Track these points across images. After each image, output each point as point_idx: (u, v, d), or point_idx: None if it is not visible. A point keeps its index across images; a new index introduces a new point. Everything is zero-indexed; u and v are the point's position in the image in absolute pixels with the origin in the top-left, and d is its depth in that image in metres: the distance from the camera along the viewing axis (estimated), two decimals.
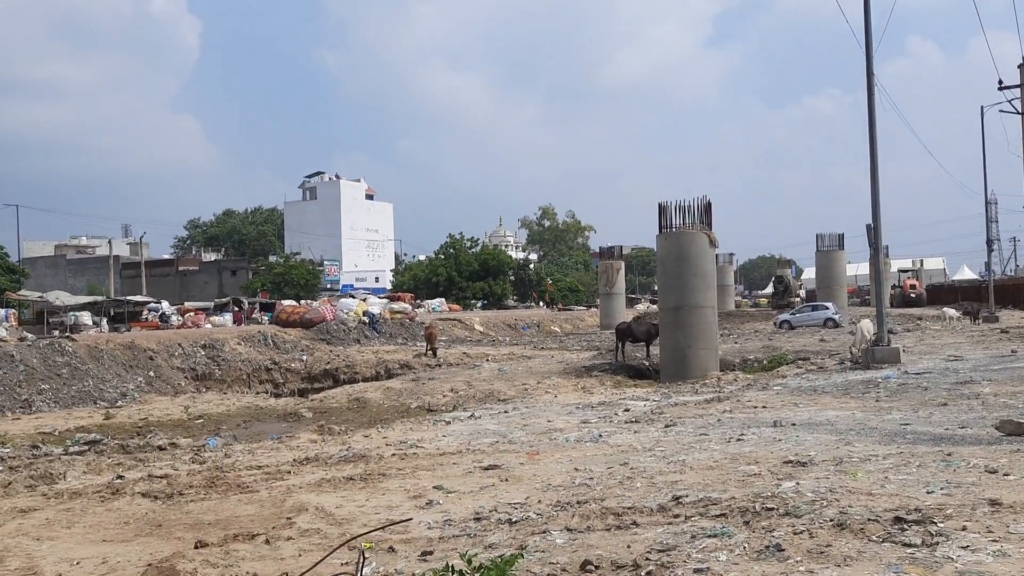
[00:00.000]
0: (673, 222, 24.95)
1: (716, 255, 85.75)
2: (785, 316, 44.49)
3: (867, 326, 18.77)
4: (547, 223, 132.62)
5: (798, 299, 64.64)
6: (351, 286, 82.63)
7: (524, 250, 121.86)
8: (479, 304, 79.29)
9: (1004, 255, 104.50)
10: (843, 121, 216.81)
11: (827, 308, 43.15)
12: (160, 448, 13.78)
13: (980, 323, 36.55)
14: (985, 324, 35.98)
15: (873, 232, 17.28)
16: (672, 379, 23.78)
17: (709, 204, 25.00)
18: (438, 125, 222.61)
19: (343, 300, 42.11)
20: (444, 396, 23.22)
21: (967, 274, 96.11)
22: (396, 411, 21.69)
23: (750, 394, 14.72)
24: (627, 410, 15.78)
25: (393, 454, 11.10)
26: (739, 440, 9.50)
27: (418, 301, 69.17)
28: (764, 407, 12.44)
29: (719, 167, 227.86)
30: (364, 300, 42.93)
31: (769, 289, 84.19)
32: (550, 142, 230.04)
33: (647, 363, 26.85)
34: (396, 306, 43.28)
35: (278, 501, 8.30)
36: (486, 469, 9.37)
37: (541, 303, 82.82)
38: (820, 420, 10.63)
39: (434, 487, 8.55)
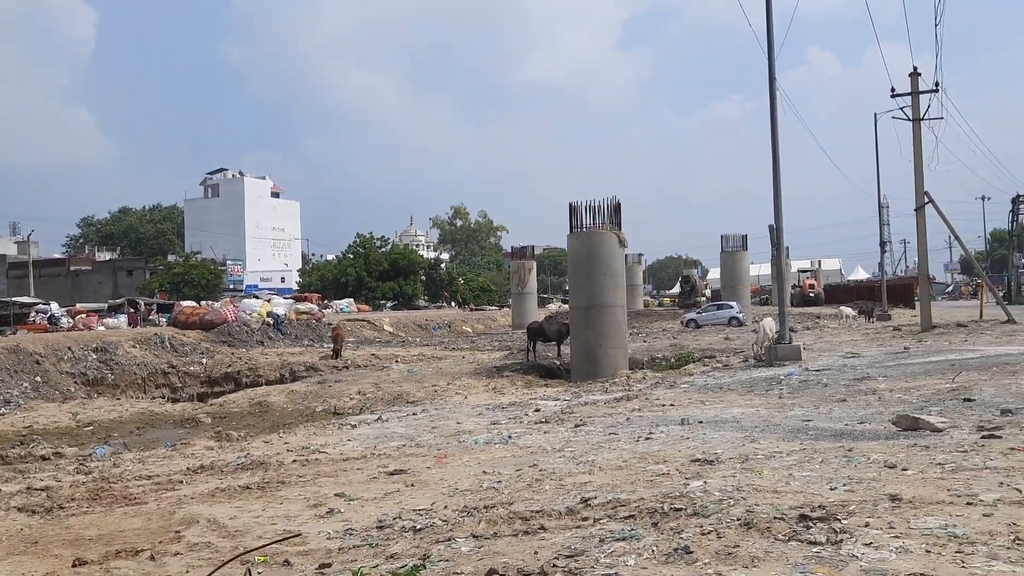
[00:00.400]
0: (584, 222, 25.11)
1: (626, 255, 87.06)
2: (692, 315, 45.42)
3: (769, 325, 19.20)
4: (459, 223, 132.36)
5: (704, 298, 66.25)
6: (255, 286, 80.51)
7: (436, 250, 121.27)
8: (389, 304, 78.35)
9: (895, 256, 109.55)
10: (748, 127, 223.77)
11: (732, 307, 44.23)
12: (43, 458, 12.94)
13: (874, 321, 38.08)
14: (879, 322, 37.50)
15: (775, 233, 17.65)
16: (583, 378, 23.88)
17: (618, 205, 25.22)
18: (349, 123, 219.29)
19: (246, 301, 40.87)
20: (351, 399, 22.70)
21: (861, 274, 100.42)
22: (300, 415, 21.06)
23: (658, 392, 14.82)
24: (537, 410, 15.69)
25: (294, 460, 10.67)
26: (647, 439, 9.47)
27: (325, 301, 67.87)
28: (672, 405, 12.51)
29: (630, 170, 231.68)
30: (268, 301, 41.77)
31: (676, 289, 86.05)
32: (463, 143, 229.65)
33: (558, 362, 26.91)
34: (302, 307, 42.27)
35: (167, 513, 7.82)
36: (391, 474, 9.07)
37: (453, 303, 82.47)
38: (726, 418, 10.72)
39: (336, 494, 8.20)
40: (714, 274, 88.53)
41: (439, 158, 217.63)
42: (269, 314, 38.65)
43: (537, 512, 6.29)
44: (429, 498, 7.65)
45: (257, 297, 50.85)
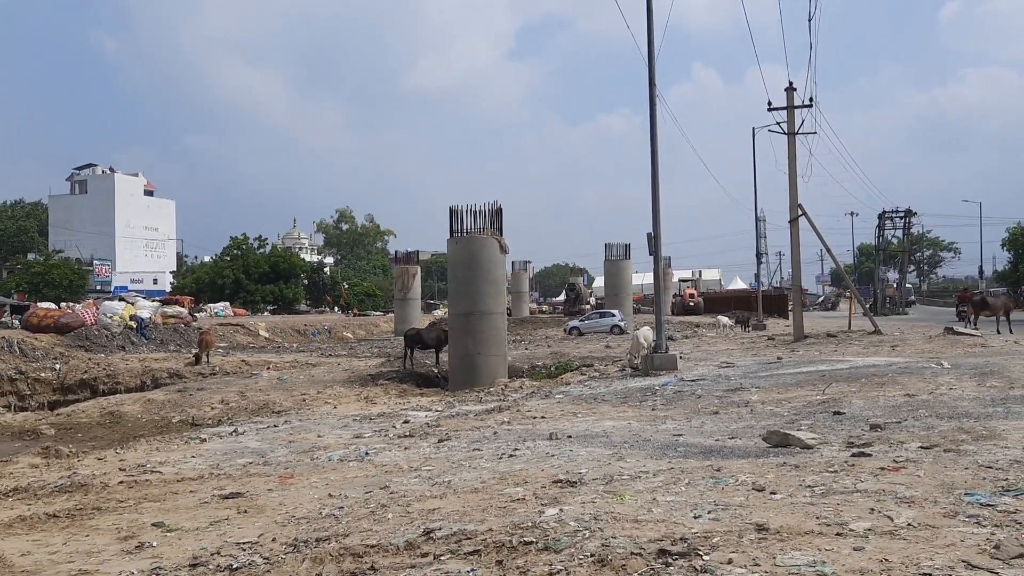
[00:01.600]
0: (465, 227, 24.46)
1: (511, 262, 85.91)
2: (574, 323, 45.44)
3: (645, 334, 19.01)
4: (345, 226, 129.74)
5: (588, 306, 66.72)
6: (125, 288, 76.36)
7: (320, 253, 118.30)
8: (269, 309, 75.70)
9: (772, 268, 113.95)
10: (634, 139, 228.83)
11: (614, 315, 44.45)
12: None
13: (750, 330, 38.96)
14: (754, 332, 38.39)
15: (653, 242, 17.45)
16: (461, 387, 23.20)
17: (500, 209, 24.70)
18: (233, 122, 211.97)
19: (107, 303, 38.25)
20: (212, 409, 21.34)
21: (740, 284, 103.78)
22: (155, 426, 19.58)
23: (532, 403, 14.26)
24: (406, 422, 14.91)
25: (122, 481, 9.51)
26: (511, 456, 8.83)
27: (199, 305, 64.88)
28: (543, 417, 11.94)
29: (520, 178, 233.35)
30: (132, 303, 39.23)
31: (562, 296, 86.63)
32: (352, 146, 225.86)
33: (437, 370, 26.14)
34: (170, 310, 39.93)
35: None
36: (226, 498, 8.10)
37: (336, 308, 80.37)
38: (596, 432, 10.20)
39: (153, 524, 7.19)
40: (600, 282, 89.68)
41: (327, 161, 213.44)
42: (132, 317, 36.26)
43: (372, 547, 5.51)
44: (259, 528, 6.76)
45: (123, 299, 47.87)
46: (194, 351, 33.25)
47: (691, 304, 61.60)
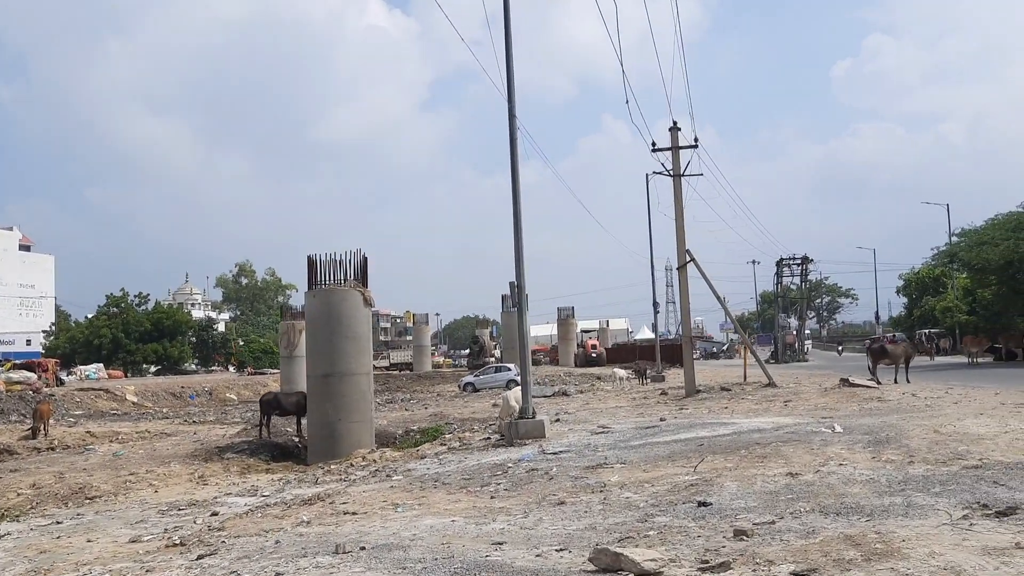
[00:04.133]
0: (325, 278, 22.08)
1: (415, 315, 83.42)
2: (469, 378, 43.25)
3: (517, 394, 16.87)
4: (244, 280, 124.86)
5: (493, 359, 64.59)
6: None
7: (216, 309, 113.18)
8: (153, 369, 71.03)
9: (677, 316, 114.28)
10: (544, 190, 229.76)
11: (510, 369, 42.43)
12: None
13: (647, 383, 37.34)
14: (653, 383, 36.78)
15: (516, 291, 15.39)
16: (320, 458, 20.64)
17: (365, 259, 22.44)
18: (136, 174, 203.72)
19: None
20: (17, 495, 18.13)
21: (648, 334, 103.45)
22: None
23: (359, 488, 11.85)
24: (214, 514, 12.36)
25: None
26: None
27: (70, 368, 60.10)
28: (354, 513, 9.54)
29: (431, 229, 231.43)
30: None
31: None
32: (257, 198, 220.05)
33: (297, 439, 23.40)
34: (16, 376, 35.93)
35: None
36: None
37: (229, 367, 76.02)
38: (404, 537, 7.89)
39: None
40: None
41: (234, 213, 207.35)
42: None
43: None
44: None
45: None
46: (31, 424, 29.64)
47: (593, 355, 60.12)
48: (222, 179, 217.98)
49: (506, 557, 6.67)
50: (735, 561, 5.70)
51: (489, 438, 16.35)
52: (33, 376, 38.51)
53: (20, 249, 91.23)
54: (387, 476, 13.14)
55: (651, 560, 5.63)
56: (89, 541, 10.96)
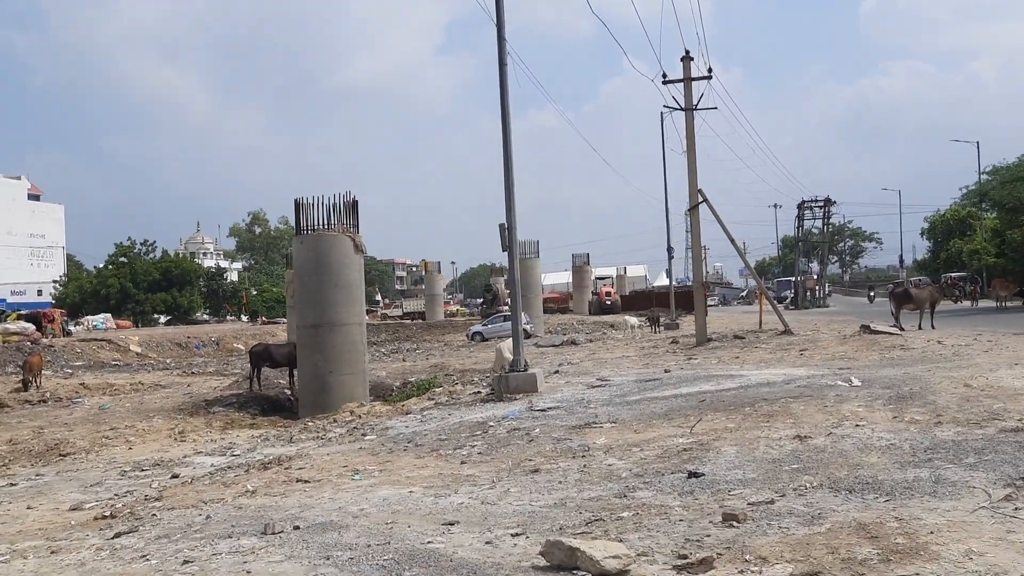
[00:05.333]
0: (315, 223, 20.89)
1: (425, 263, 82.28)
2: (477, 327, 42.23)
3: (510, 346, 15.75)
4: (258, 229, 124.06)
5: (506, 308, 63.55)
6: (2, 301, 70.47)
7: (230, 258, 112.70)
8: (163, 319, 70.61)
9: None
10: (565, 135, 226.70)
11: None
12: None
13: (660, 330, 36.14)
14: (666, 331, 35.58)
15: (507, 233, 14.15)
16: (311, 411, 19.71)
17: (356, 202, 21.18)
18: (151, 123, 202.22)
19: None
20: None
21: (665, 281, 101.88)
22: None
23: (329, 450, 10.84)
24: (175, 476, 11.44)
25: None
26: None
27: (77, 318, 59.72)
28: (307, 482, 8.50)
29: (449, 175, 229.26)
30: None
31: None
32: (275, 146, 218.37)
33: (290, 392, 22.50)
34: (13, 327, 35.22)
35: None
36: None
37: (242, 316, 75.55)
38: (348, 513, 6.85)
39: None
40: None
41: (250, 162, 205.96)
42: None
43: None
44: None
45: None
46: (33, 375, 29.04)
47: (608, 303, 58.91)
48: (237, 127, 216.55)
49: (450, 544, 5.57)
50: (719, 557, 4.56)
51: (480, 392, 15.28)
52: (31, 327, 37.82)
53: (29, 199, 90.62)
54: (362, 435, 12.13)
55: (614, 557, 4.49)
56: (30, 508, 10.04)
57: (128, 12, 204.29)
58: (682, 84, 22.63)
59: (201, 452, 14.23)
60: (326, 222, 20.66)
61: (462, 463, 8.69)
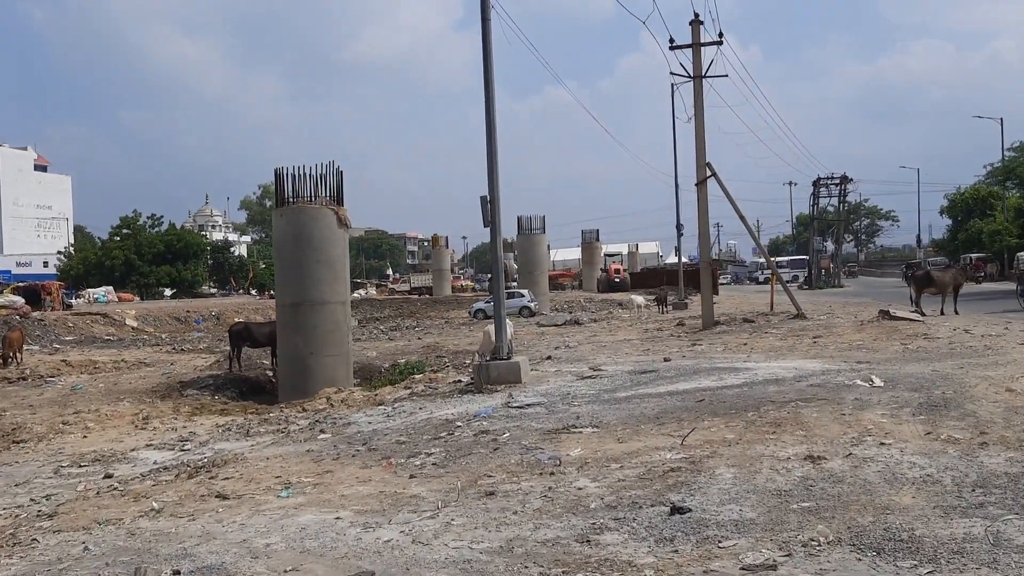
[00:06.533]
0: (298, 194, 19.52)
1: (436, 238, 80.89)
2: (480, 304, 40.82)
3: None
4: (268, 203, 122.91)
5: (515, 283, 62.28)
6: (8, 272, 69.75)
7: (239, 231, 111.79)
8: (169, 292, 69.69)
9: (710, 238, 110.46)
10: (582, 112, 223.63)
11: (523, 295, 39.93)
12: None
13: (669, 310, 34.69)
14: (674, 312, 34.11)
15: (489, 207, 12.73)
16: (290, 395, 18.52)
17: (341, 173, 19.80)
18: (168, 95, 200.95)
19: None
20: None
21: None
22: None
23: (269, 453, 9.54)
24: (108, 476, 10.23)
25: None
26: None
27: (78, 290, 58.84)
28: (226, 498, 7.21)
29: (463, 152, 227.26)
30: None
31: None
32: (293, 119, 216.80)
33: (271, 374, 21.27)
34: (1, 300, 34.15)
35: None
36: None
37: (252, 290, 74.49)
38: (250, 552, 5.55)
39: None
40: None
41: (266, 134, 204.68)
42: None
43: None
44: None
45: None
46: (26, 349, 28.06)
47: (616, 280, 57.36)
48: (253, 100, 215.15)
49: None
50: None
51: (461, 381, 13.94)
52: (20, 300, 36.75)
53: (36, 169, 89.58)
54: (320, 431, 10.83)
55: None
56: None
57: None
58: (691, 50, 21.00)
59: (152, 444, 13.01)
60: (311, 194, 19.32)
61: (411, 477, 7.36)
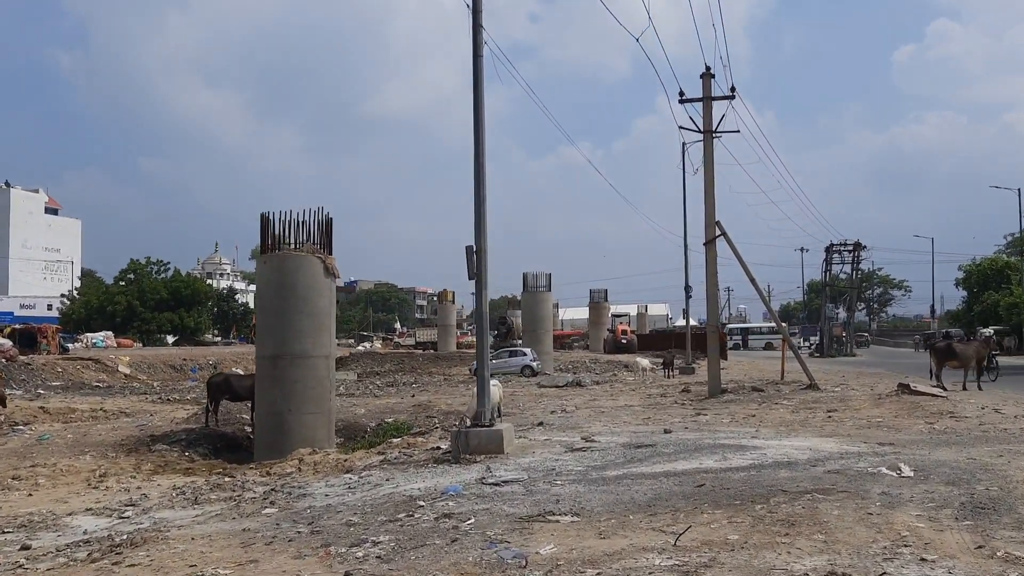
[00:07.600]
0: (285, 241, 18.55)
1: (445, 293, 79.67)
2: None
3: (490, 393, 13.13)
4: None
5: (520, 342, 61.04)
6: (10, 315, 69.15)
7: (247, 280, 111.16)
8: (171, 339, 68.81)
9: (720, 302, 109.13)
10: (594, 172, 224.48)
11: (525, 354, 38.77)
12: None
13: (675, 374, 33.35)
14: (681, 376, 32.77)
15: (476, 258, 11.63)
16: (267, 454, 17.32)
17: (330, 220, 18.84)
18: (188, 144, 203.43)
19: None
20: None
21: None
22: None
23: (204, 529, 8.32)
24: (25, 547, 9.00)
25: None
26: None
27: (77, 334, 58.00)
28: None
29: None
30: None
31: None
32: (310, 172, 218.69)
33: (250, 429, 20.04)
34: None
35: None
36: None
37: (253, 339, 73.48)
38: None
39: None
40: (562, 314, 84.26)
41: (283, 186, 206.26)
42: None
43: None
44: None
45: None
46: (12, 392, 27.07)
47: (623, 341, 56.09)
48: (271, 152, 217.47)
49: None
50: None
51: (439, 448, 12.68)
52: (7, 343, 35.78)
53: (47, 212, 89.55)
54: (268, 504, 9.59)
55: None
56: None
57: (174, 36, 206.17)
58: (701, 104, 20.12)
59: (93, 509, 11.74)
60: (299, 241, 18.36)
61: (346, 574, 6.11)
